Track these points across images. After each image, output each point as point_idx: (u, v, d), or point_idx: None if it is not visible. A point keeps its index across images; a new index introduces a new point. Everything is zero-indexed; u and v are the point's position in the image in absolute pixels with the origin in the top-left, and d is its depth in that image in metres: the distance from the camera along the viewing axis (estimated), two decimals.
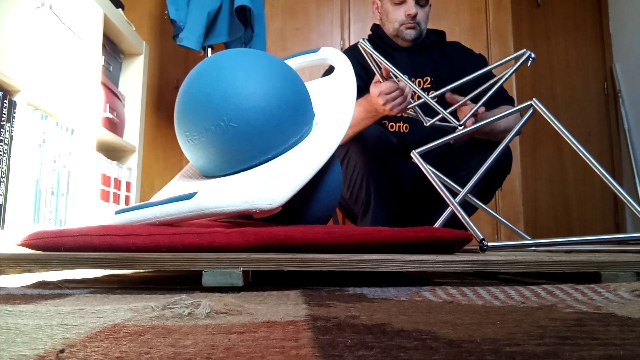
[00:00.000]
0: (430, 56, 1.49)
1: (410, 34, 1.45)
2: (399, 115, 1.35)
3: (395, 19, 1.45)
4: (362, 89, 1.40)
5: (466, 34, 2.31)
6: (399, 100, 1.19)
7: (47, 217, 1.34)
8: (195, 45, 1.90)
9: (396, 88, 1.19)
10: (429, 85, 1.47)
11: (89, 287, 0.69)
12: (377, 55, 1.17)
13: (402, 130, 1.45)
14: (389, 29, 1.48)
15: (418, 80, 1.47)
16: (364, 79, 1.43)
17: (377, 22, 1.56)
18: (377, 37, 1.53)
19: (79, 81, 1.54)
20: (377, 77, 1.22)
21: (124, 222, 0.82)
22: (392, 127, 1.46)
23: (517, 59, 1.13)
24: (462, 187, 1.03)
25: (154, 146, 2.44)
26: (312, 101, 1.01)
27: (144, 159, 2.15)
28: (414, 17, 1.43)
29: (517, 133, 1.08)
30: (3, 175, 1.16)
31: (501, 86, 1.49)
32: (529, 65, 1.12)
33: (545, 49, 2.71)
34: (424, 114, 1.25)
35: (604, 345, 0.32)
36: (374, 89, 1.21)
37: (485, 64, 1.53)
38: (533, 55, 1.11)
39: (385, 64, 1.16)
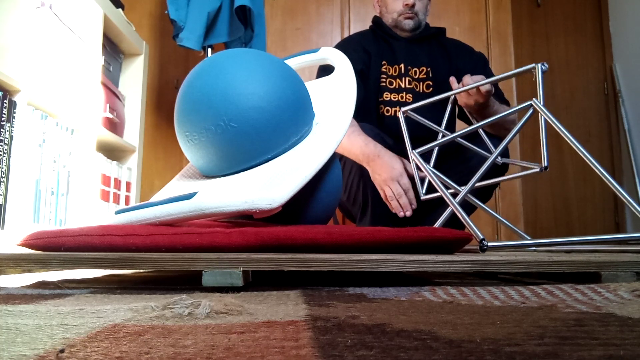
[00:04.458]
0: (428, 47, 1.51)
1: (408, 23, 1.47)
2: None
3: (394, 10, 1.48)
4: (364, 72, 1.43)
5: (466, 34, 2.31)
6: (403, 200, 1.23)
7: (47, 217, 1.34)
8: (195, 45, 1.91)
9: (404, 192, 1.22)
10: (425, 76, 1.48)
11: (89, 287, 0.69)
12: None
13: None
14: (388, 19, 1.51)
15: (414, 69, 1.48)
16: (366, 62, 1.45)
17: (378, 15, 1.58)
18: (377, 25, 1.55)
19: (79, 81, 1.54)
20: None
21: (124, 222, 0.82)
22: None
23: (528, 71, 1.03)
24: (461, 187, 1.03)
25: (154, 146, 2.44)
26: (312, 101, 1.01)
27: (144, 159, 2.15)
28: (412, 7, 1.46)
29: (516, 134, 1.08)
30: (3, 175, 1.16)
31: (499, 88, 1.49)
32: (540, 75, 1.00)
33: (545, 49, 2.71)
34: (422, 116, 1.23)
35: (604, 345, 0.32)
36: (385, 186, 1.24)
37: (485, 62, 1.54)
38: (544, 68, 1.00)
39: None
